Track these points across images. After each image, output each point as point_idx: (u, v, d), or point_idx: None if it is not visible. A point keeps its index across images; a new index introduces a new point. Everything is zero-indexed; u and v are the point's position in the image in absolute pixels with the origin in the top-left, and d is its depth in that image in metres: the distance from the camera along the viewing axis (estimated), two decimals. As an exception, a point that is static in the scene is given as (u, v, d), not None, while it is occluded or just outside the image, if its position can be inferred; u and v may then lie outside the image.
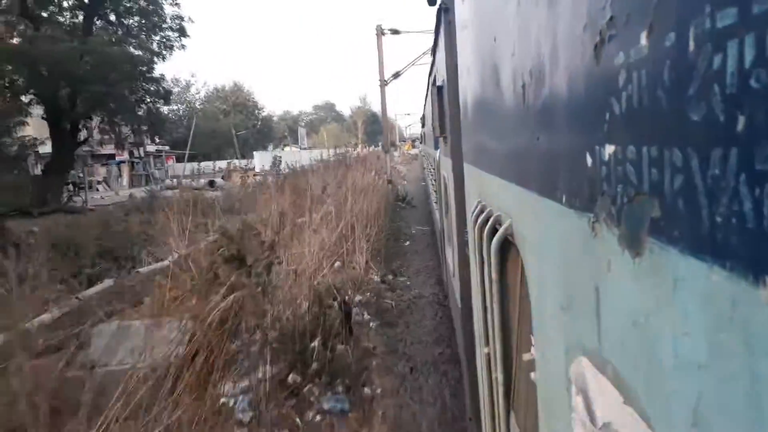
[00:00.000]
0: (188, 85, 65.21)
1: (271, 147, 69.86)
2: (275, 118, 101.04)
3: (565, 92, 0.71)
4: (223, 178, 39.82)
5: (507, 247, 1.32)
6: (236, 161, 51.04)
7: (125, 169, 39.07)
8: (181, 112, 65.21)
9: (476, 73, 1.69)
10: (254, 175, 39.92)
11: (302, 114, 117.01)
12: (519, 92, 0.99)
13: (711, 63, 0.37)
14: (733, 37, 0.34)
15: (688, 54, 0.40)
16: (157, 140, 55.10)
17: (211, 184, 30.91)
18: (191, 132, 43.26)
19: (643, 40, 0.47)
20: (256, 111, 70.71)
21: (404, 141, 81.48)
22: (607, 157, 0.57)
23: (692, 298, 0.41)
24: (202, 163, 53.87)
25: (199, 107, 65.01)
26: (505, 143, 1.24)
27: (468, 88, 2.02)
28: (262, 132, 70.84)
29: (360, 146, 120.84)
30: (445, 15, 2.92)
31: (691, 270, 0.41)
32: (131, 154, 41.93)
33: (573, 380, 0.71)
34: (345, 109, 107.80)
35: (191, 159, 56.95)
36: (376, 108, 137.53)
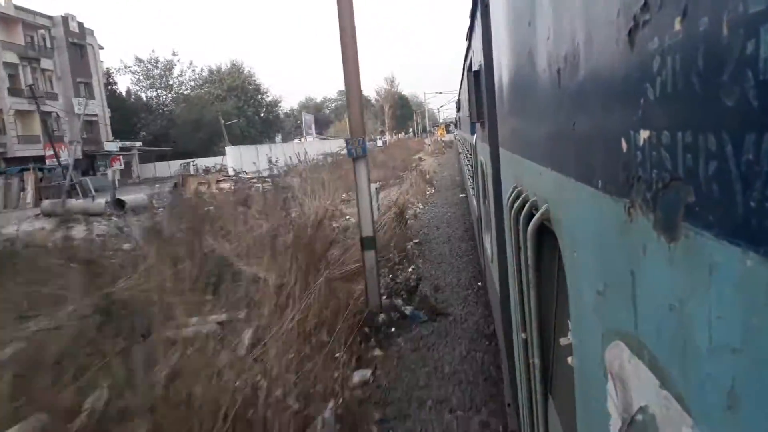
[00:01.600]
0: (170, 66, 53.73)
1: (279, 138, 58.09)
2: (294, 106, 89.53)
3: (600, 77, 0.76)
4: (176, 185, 26.61)
5: (543, 232, 1.36)
6: (196, 162, 38.84)
7: (30, 178, 27.20)
8: (162, 98, 53.83)
9: (511, 57, 1.76)
10: (218, 181, 25.81)
11: (326, 100, 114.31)
12: (554, 77, 1.04)
13: (744, 48, 0.38)
14: (765, 22, 0.36)
15: (722, 39, 0.41)
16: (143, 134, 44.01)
17: (119, 204, 17.96)
18: (106, 117, 31.42)
19: (677, 25, 0.49)
20: (259, 96, 58.56)
21: (436, 126, 68.06)
22: (642, 143, 0.61)
23: (727, 283, 0.44)
24: (175, 163, 41.97)
25: (187, 92, 53.13)
26: (540, 128, 1.28)
27: (503, 72, 2.07)
28: (267, 121, 58.76)
29: (387, 133, 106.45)
30: None
31: (725, 255, 0.43)
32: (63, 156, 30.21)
33: (609, 364, 0.75)
34: (373, 93, 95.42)
35: (172, 157, 45.23)
36: (407, 90, 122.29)
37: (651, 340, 0.61)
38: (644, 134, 0.59)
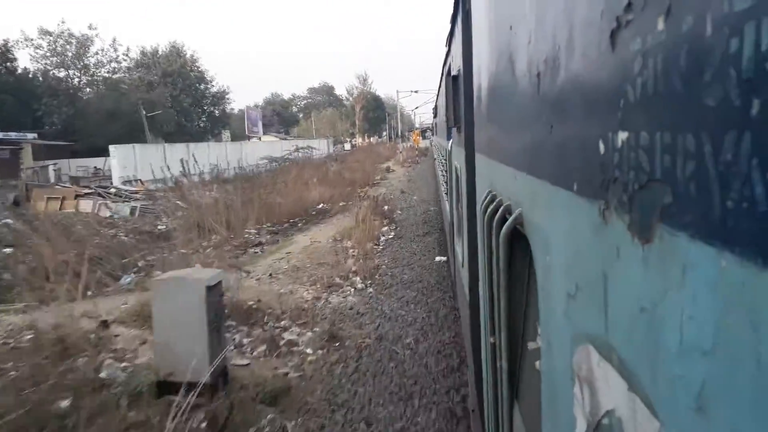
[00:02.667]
0: (86, 43, 43.76)
1: (227, 136, 49.15)
2: (260, 102, 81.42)
3: (580, 80, 0.80)
4: (16, 201, 16.49)
5: (516, 236, 1.42)
6: (59, 164, 29.64)
7: None
8: (76, 81, 43.78)
9: (491, 62, 1.85)
10: (78, 196, 12.70)
11: (295, 98, 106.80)
12: (534, 81, 1.09)
13: (728, 47, 0.40)
14: (749, 20, 0.37)
15: (705, 38, 0.43)
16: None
17: None
18: None
19: (661, 25, 0.51)
20: (202, 86, 49.18)
21: (411, 131, 60.23)
22: (620, 144, 0.64)
23: (700, 284, 0.45)
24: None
25: (108, 76, 43.36)
26: (518, 132, 1.35)
27: (483, 77, 2.17)
28: (212, 116, 49.53)
29: (358, 136, 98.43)
30: (463, 4, 3.14)
31: (700, 255, 0.45)
32: None
33: (577, 368, 0.78)
34: (344, 91, 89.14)
35: (86, 153, 35.56)
36: (382, 91, 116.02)
37: (621, 342, 0.63)
38: (623, 136, 0.61)
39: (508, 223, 1.37)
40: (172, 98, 51.93)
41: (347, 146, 74.08)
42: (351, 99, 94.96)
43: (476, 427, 3.13)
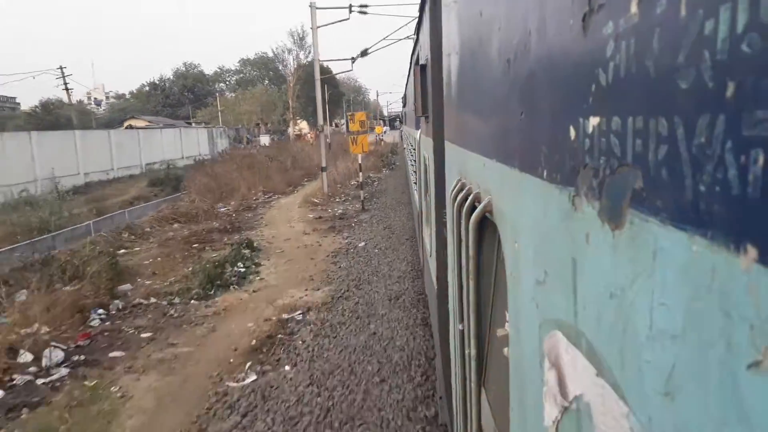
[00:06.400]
0: None
1: None
2: (167, 75, 57.78)
3: (550, 65, 0.83)
4: None
5: (485, 224, 1.48)
6: None
7: None
8: None
9: (461, 50, 1.89)
10: None
11: (223, 72, 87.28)
12: (504, 68, 1.12)
13: (702, 28, 0.41)
14: (725, 2, 0.38)
15: (679, 20, 0.44)
16: None
17: None
18: None
19: (634, 8, 0.53)
20: None
21: (376, 119, 31.44)
22: (591, 130, 0.67)
23: (671, 269, 0.47)
24: None
25: None
26: (487, 120, 1.40)
27: (452, 65, 2.22)
28: None
29: (293, 125, 59.61)
30: None
31: (671, 240, 0.47)
32: None
33: (546, 354, 0.82)
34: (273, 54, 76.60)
35: None
36: (336, 65, 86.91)
37: (590, 328, 0.66)
38: (594, 121, 0.64)
39: (477, 210, 1.40)
40: None
41: (265, 141, 47.73)
42: (282, 69, 67.37)
43: (444, 414, 3.29)
